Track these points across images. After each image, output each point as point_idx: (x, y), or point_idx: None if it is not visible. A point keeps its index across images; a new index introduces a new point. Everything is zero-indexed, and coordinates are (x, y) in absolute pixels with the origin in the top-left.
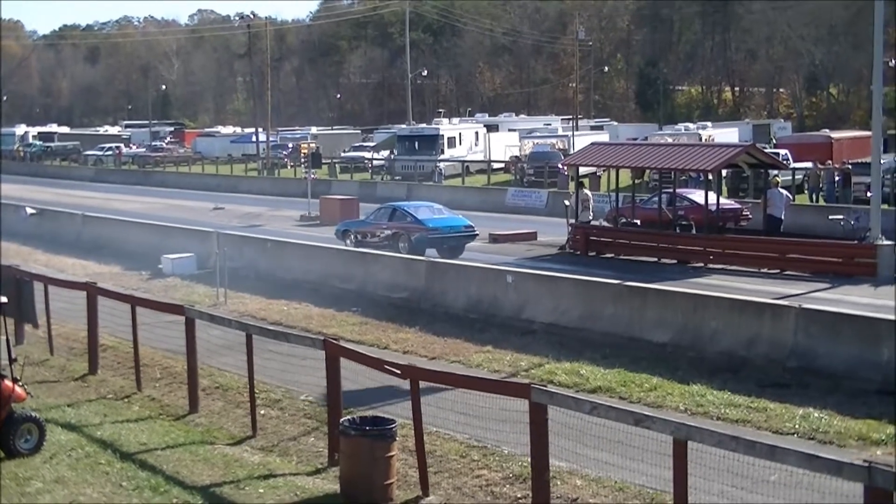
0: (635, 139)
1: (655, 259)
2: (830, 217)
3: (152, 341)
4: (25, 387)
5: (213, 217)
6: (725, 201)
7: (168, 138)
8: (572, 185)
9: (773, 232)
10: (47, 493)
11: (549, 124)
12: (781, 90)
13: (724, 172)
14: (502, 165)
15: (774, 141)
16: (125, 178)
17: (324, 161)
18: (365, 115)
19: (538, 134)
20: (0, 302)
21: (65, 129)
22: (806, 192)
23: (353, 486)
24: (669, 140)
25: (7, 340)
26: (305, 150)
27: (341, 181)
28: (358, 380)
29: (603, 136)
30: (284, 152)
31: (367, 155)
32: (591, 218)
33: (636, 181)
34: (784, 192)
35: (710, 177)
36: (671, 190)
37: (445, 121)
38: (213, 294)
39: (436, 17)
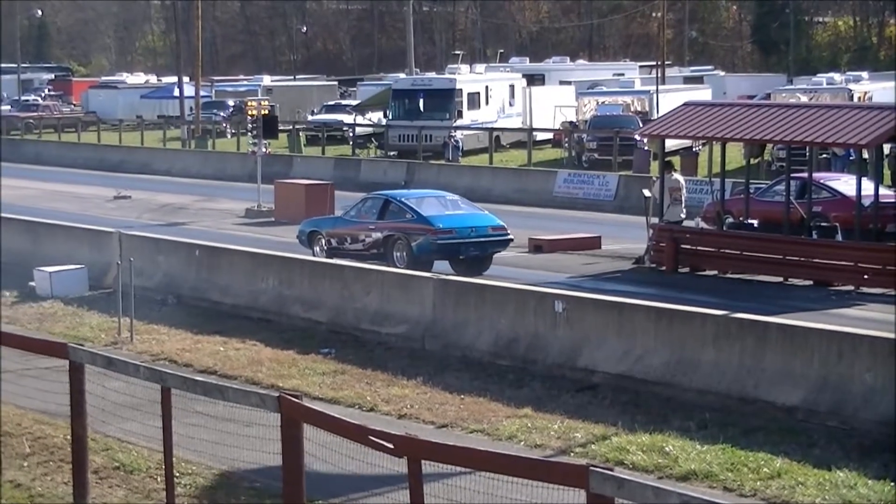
0: (751, 97)
1: (780, 279)
2: None
3: (18, 397)
4: None
5: (115, 210)
6: (887, 192)
7: (46, 90)
8: (656, 167)
9: None
10: None
11: (622, 75)
12: None
13: (886, 148)
14: (550, 136)
15: None
16: None
17: (281, 127)
18: (344, 58)
19: (604, 89)
20: None
21: None
22: None
23: None
24: (803, 99)
25: None
26: (254, 111)
27: (308, 157)
28: (330, 458)
29: (703, 93)
30: (222, 113)
31: (348, 119)
32: (683, 216)
33: (752, 161)
34: None
35: (865, 155)
36: (805, 175)
37: (465, 68)
38: (112, 327)
39: None
